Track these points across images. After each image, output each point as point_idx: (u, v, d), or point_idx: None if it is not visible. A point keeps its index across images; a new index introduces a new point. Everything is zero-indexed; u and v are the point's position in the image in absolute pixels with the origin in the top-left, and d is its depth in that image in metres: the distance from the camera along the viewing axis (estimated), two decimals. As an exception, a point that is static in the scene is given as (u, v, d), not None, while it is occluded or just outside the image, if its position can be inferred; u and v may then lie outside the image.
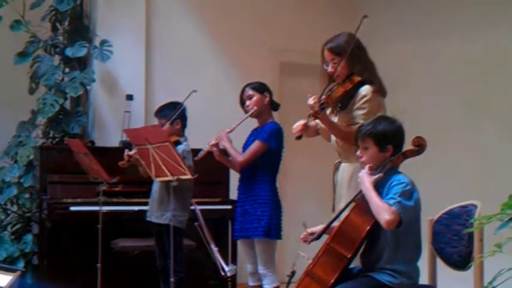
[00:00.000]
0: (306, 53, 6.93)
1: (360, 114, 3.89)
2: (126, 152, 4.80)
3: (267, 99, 4.70)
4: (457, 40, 6.06)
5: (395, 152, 3.40)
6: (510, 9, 5.65)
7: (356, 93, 3.92)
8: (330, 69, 3.98)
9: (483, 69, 5.85)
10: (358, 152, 3.46)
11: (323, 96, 3.84)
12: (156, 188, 4.85)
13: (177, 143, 4.77)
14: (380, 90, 3.94)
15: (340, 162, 4.07)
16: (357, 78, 3.92)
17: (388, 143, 3.39)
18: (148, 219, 4.88)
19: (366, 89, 3.91)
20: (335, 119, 4.04)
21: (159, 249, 4.88)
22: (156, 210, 4.79)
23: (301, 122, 3.98)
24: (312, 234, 3.56)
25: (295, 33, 7.18)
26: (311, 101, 3.78)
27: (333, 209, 4.02)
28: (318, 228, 3.58)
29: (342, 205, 3.81)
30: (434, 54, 6.32)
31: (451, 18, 6.14)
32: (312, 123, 4.13)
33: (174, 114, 4.78)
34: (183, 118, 4.93)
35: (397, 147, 3.41)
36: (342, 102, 3.95)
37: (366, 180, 3.31)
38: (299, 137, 3.95)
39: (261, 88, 4.71)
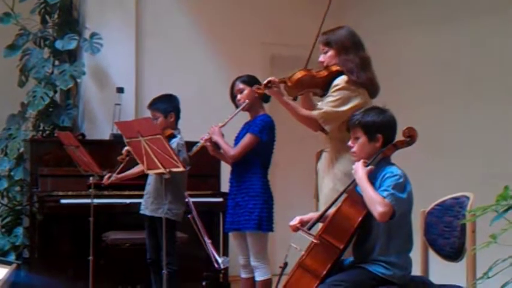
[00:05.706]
0: (297, 46, 6.93)
1: (326, 102, 3.90)
2: (126, 148, 4.74)
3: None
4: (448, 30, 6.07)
5: (386, 143, 3.40)
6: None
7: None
8: (321, 58, 4.01)
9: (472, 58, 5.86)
10: (350, 142, 3.47)
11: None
12: (150, 181, 4.82)
13: (172, 136, 4.76)
14: (357, 82, 3.89)
15: (322, 151, 4.08)
16: (335, 68, 3.95)
17: (377, 132, 3.38)
18: (142, 212, 4.86)
19: (340, 79, 3.91)
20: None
21: (150, 242, 4.86)
22: (151, 204, 4.77)
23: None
24: (302, 222, 3.54)
25: (287, 26, 7.16)
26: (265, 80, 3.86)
27: (316, 197, 4.06)
28: (309, 216, 3.56)
29: (323, 194, 3.88)
30: (427, 43, 6.29)
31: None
32: None
33: (170, 107, 4.79)
34: (176, 111, 4.91)
35: (387, 137, 3.40)
36: (322, 89, 3.97)
37: (360, 171, 3.31)
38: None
39: (250, 81, 4.70)
